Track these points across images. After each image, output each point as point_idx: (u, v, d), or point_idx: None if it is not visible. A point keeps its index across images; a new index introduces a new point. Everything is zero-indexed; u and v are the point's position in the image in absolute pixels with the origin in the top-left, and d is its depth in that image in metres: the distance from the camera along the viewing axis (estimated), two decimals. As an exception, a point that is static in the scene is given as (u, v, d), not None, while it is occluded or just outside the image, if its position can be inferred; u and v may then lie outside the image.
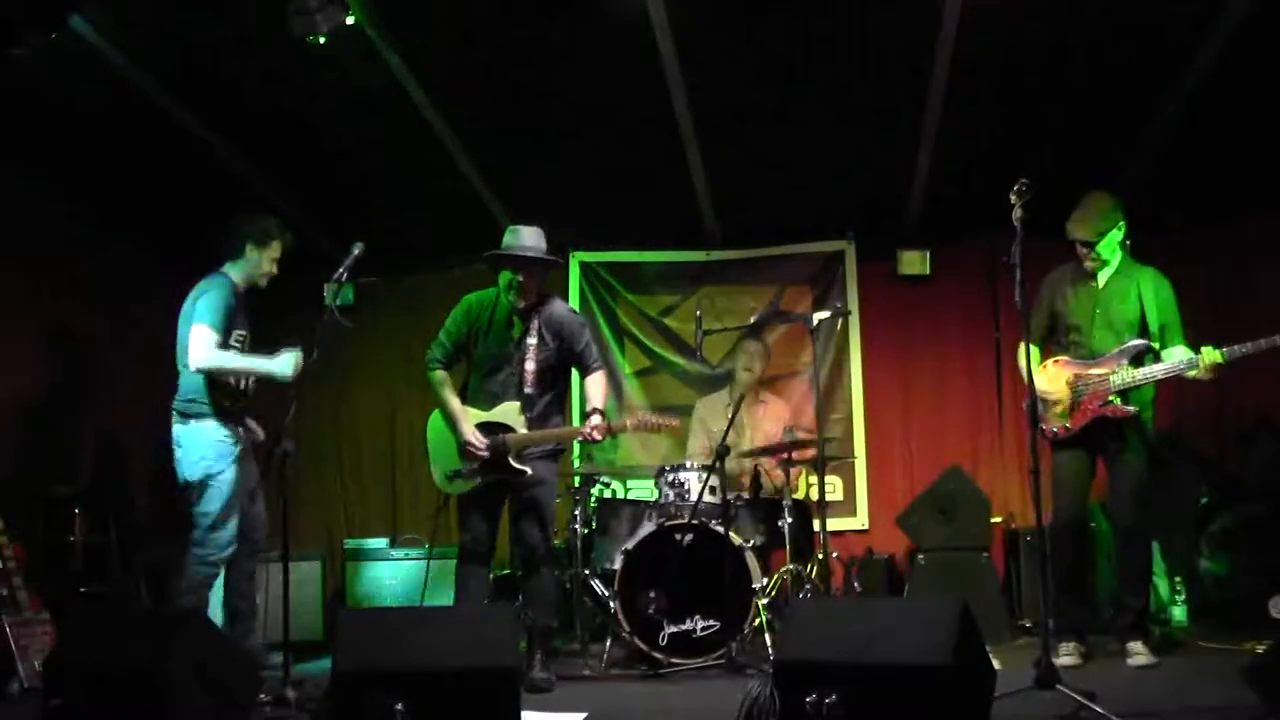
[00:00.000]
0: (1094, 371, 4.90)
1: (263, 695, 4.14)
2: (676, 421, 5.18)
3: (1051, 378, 4.99)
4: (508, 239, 4.96)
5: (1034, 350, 4.94)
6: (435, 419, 5.00)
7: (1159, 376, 4.81)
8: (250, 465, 4.98)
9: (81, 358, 6.38)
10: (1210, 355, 4.65)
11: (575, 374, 5.14)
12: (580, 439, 4.82)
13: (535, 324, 4.91)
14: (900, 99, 5.81)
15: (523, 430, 4.85)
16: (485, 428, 4.85)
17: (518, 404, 4.86)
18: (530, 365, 4.87)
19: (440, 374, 4.99)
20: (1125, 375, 4.83)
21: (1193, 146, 6.12)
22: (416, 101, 5.66)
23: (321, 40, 4.72)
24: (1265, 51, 5.28)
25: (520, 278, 4.85)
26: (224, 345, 4.79)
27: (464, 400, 4.95)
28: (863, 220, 7.22)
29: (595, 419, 4.84)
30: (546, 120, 6.02)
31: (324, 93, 5.60)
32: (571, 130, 6.11)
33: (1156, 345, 4.88)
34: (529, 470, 4.81)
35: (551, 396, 4.97)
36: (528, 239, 4.93)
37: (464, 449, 4.84)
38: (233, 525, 4.79)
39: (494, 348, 4.92)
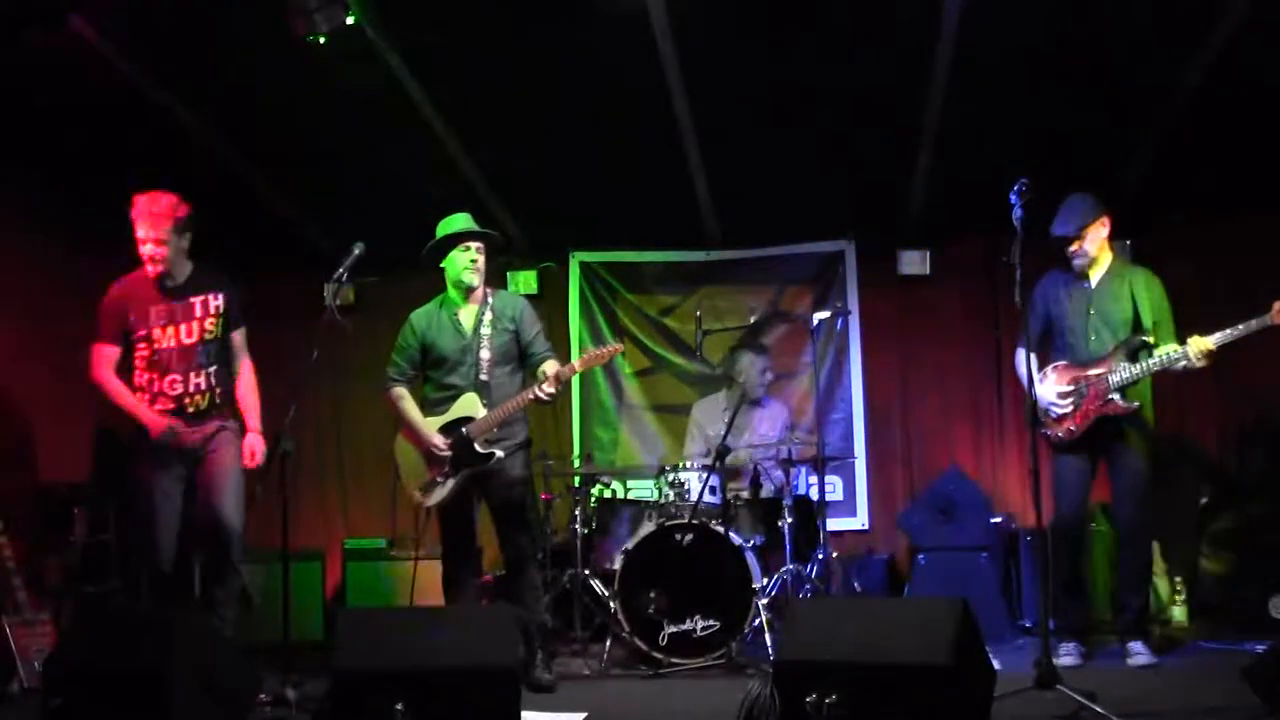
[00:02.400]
0: (1092, 372, 4.90)
1: (263, 695, 4.14)
2: (621, 346, 5.21)
3: (1054, 385, 4.98)
4: (447, 228, 4.97)
5: (1031, 356, 4.95)
6: (398, 443, 4.97)
7: (1155, 370, 4.82)
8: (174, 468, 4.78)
9: (81, 357, 6.37)
10: (1199, 343, 4.66)
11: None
12: (535, 397, 4.73)
13: (486, 314, 4.91)
14: (900, 99, 5.81)
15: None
16: (447, 429, 4.82)
17: (475, 393, 4.83)
18: (486, 354, 4.86)
19: (398, 389, 4.97)
20: (1123, 372, 4.83)
21: (1193, 145, 6.12)
22: (416, 101, 5.66)
23: (321, 40, 4.72)
24: (1266, 50, 5.28)
25: (474, 255, 4.89)
26: (124, 352, 4.77)
27: (425, 413, 4.92)
28: (863, 220, 7.22)
29: (546, 369, 4.78)
30: (546, 120, 6.01)
31: (324, 92, 5.59)
32: (571, 130, 6.11)
33: (1151, 340, 4.88)
34: (497, 453, 4.77)
35: (509, 381, 4.91)
36: (464, 222, 4.97)
37: (428, 454, 4.82)
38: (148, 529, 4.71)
39: (449, 347, 4.89)
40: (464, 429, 4.79)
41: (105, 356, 4.77)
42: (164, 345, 4.74)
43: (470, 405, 4.82)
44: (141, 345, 4.74)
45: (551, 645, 5.20)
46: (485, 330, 4.88)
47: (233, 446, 4.83)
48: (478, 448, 4.77)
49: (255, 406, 4.93)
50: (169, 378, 4.74)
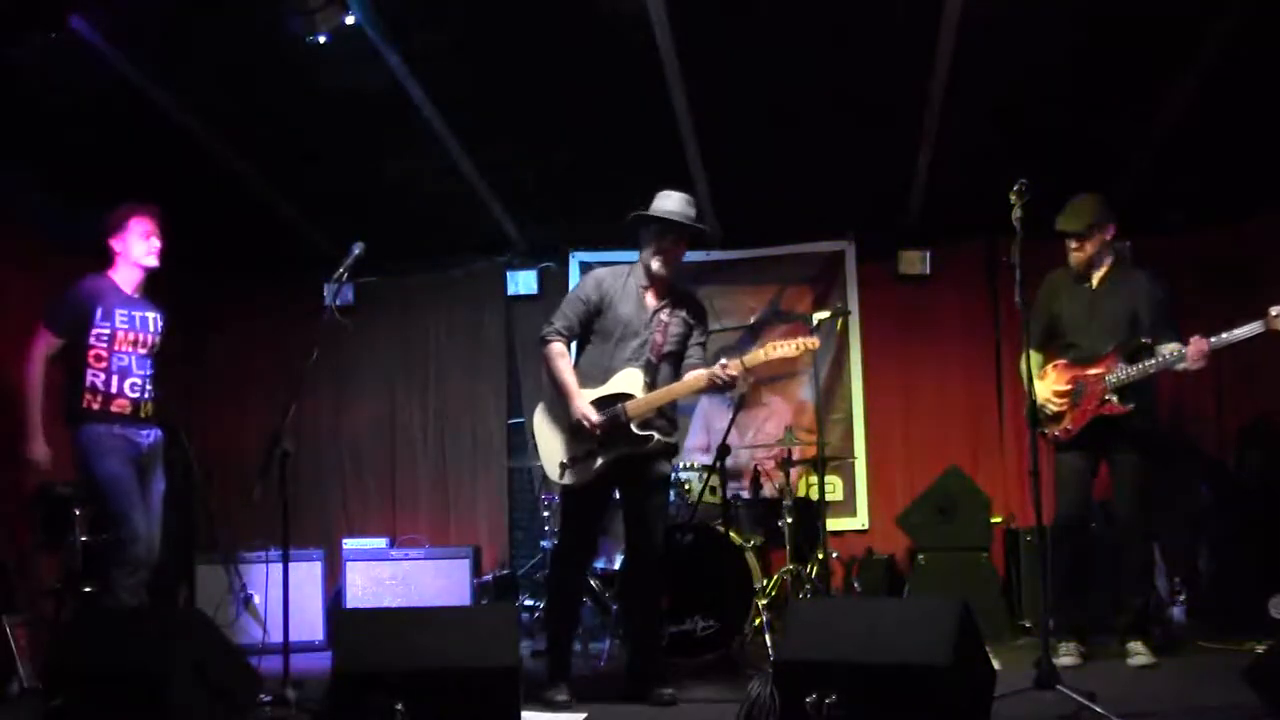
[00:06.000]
0: (1091, 372, 4.92)
1: (262, 695, 4.14)
2: (816, 341, 4.55)
3: (1052, 384, 5.01)
4: (664, 204, 4.56)
5: (1035, 356, 4.96)
6: (541, 412, 4.64)
7: (1153, 371, 4.82)
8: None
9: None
10: (1197, 346, 4.67)
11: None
12: (712, 382, 4.35)
13: (670, 301, 4.60)
14: (900, 99, 5.81)
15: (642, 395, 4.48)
16: (600, 404, 4.46)
17: (641, 371, 4.49)
18: (659, 338, 4.53)
19: (559, 345, 4.55)
20: (1120, 373, 4.84)
21: (1194, 146, 6.12)
22: (416, 101, 5.66)
23: (321, 40, 4.72)
24: (1267, 51, 5.28)
25: (669, 244, 4.55)
26: (73, 345, 4.78)
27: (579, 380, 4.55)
28: (863, 220, 7.22)
29: (724, 359, 4.41)
30: (546, 120, 6.01)
31: (324, 92, 5.59)
32: (571, 129, 6.11)
33: (1150, 342, 4.89)
34: (655, 435, 4.44)
35: (671, 375, 4.61)
36: (684, 205, 4.58)
37: (577, 428, 4.46)
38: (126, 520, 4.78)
39: (630, 315, 4.54)
40: (621, 405, 4.44)
41: (50, 345, 4.81)
42: (125, 349, 4.86)
43: (632, 381, 4.48)
44: (100, 344, 4.80)
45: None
46: (664, 316, 4.56)
47: (161, 467, 5.02)
48: (634, 428, 4.43)
49: None
50: (129, 381, 4.85)
